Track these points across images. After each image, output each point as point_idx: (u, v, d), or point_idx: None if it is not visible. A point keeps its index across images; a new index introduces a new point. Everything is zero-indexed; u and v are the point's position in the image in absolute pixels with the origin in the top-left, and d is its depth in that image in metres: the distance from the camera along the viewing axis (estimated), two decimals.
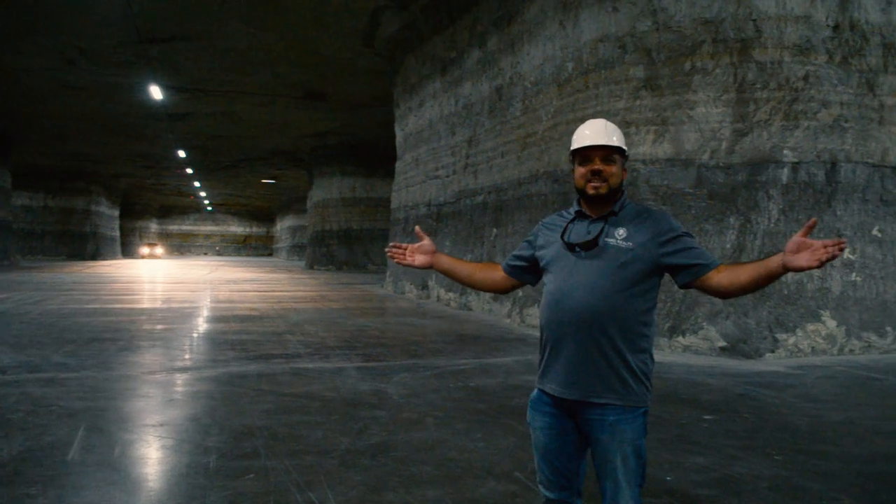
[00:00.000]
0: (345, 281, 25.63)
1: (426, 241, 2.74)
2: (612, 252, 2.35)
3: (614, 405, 2.31)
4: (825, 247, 2.08)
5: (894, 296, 8.92)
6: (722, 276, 2.33)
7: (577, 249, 2.39)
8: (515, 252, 2.69)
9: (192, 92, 24.42)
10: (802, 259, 2.12)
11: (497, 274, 2.74)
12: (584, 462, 2.48)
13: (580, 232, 2.43)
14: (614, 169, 2.40)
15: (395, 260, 2.76)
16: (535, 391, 2.53)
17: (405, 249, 2.73)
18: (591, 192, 2.41)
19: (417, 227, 2.89)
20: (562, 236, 2.46)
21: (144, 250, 61.57)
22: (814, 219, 2.21)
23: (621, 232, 2.37)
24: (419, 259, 2.73)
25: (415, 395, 6.17)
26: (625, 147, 2.45)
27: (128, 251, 64.55)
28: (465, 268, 2.80)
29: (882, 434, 5.06)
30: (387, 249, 2.78)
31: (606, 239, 2.37)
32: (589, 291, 2.33)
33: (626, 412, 2.32)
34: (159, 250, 62.98)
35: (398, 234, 19.83)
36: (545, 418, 2.46)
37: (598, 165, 2.39)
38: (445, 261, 2.77)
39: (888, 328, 8.72)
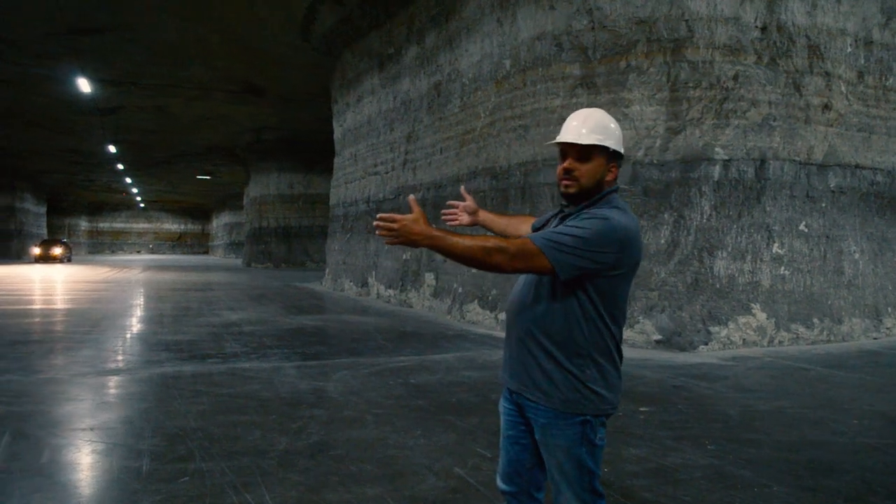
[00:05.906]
0: (283, 278, 25.29)
1: (469, 201, 2.91)
2: None
3: (545, 407, 2.25)
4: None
5: (820, 289, 9.26)
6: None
7: None
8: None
9: (124, 85, 23.70)
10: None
11: (524, 227, 2.81)
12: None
13: (551, 226, 2.39)
14: (588, 167, 2.25)
15: (446, 221, 2.92)
16: None
17: (457, 208, 2.91)
18: (562, 189, 2.32)
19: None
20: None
21: (36, 250, 40.88)
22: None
23: None
24: (465, 219, 2.91)
25: (355, 393, 6.12)
26: (606, 144, 2.26)
27: None
28: (500, 222, 2.92)
29: (809, 422, 5.24)
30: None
31: None
32: (525, 287, 2.35)
33: (558, 417, 2.22)
34: (59, 250, 41.19)
35: (337, 231, 19.67)
36: (506, 404, 2.47)
37: (570, 164, 2.27)
38: (485, 217, 2.93)
39: (815, 320, 9.04)
